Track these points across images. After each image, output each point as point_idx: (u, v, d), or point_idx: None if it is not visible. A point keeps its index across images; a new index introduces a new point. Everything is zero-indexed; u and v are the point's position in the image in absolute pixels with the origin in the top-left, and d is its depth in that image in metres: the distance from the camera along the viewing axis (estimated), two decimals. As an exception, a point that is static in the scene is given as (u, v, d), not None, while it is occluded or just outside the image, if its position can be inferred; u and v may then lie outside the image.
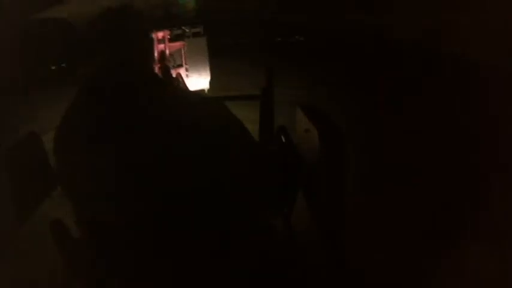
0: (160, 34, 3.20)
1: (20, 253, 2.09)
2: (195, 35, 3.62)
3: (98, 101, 1.19)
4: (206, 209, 1.11)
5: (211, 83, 3.70)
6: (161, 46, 3.20)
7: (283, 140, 1.55)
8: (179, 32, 3.56)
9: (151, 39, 1.59)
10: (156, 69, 2.89)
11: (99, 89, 1.22)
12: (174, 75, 3.20)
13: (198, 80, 3.61)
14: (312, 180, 1.41)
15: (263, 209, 1.28)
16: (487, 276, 1.84)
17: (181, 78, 3.33)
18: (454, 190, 2.48)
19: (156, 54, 3.07)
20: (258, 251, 1.18)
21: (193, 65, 3.55)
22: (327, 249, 1.41)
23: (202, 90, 3.70)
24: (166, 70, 3.02)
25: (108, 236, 1.12)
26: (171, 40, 3.35)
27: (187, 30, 3.61)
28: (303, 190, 1.49)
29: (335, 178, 1.29)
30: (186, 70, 3.53)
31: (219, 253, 1.12)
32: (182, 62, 3.52)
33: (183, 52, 3.51)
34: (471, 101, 3.58)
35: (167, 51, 3.24)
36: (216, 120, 1.25)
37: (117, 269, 1.14)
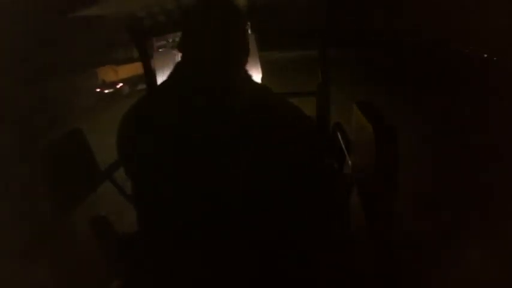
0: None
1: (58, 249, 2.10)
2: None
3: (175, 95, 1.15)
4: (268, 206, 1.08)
5: (262, 79, 3.55)
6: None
7: (339, 137, 1.57)
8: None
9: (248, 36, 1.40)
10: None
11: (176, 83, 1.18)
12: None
13: (249, 78, 3.45)
14: (366, 178, 1.38)
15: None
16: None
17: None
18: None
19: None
20: (315, 250, 1.17)
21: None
22: (377, 248, 1.41)
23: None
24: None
25: (164, 234, 1.08)
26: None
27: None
28: (357, 189, 1.50)
29: (388, 177, 1.26)
30: (236, 68, 3.36)
31: (277, 248, 1.09)
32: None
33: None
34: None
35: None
36: (298, 126, 1.19)
37: (166, 270, 1.07)
